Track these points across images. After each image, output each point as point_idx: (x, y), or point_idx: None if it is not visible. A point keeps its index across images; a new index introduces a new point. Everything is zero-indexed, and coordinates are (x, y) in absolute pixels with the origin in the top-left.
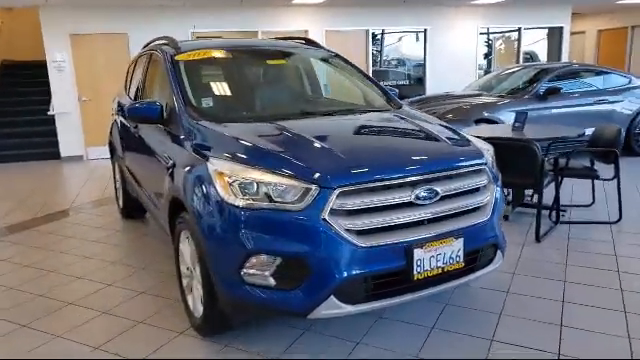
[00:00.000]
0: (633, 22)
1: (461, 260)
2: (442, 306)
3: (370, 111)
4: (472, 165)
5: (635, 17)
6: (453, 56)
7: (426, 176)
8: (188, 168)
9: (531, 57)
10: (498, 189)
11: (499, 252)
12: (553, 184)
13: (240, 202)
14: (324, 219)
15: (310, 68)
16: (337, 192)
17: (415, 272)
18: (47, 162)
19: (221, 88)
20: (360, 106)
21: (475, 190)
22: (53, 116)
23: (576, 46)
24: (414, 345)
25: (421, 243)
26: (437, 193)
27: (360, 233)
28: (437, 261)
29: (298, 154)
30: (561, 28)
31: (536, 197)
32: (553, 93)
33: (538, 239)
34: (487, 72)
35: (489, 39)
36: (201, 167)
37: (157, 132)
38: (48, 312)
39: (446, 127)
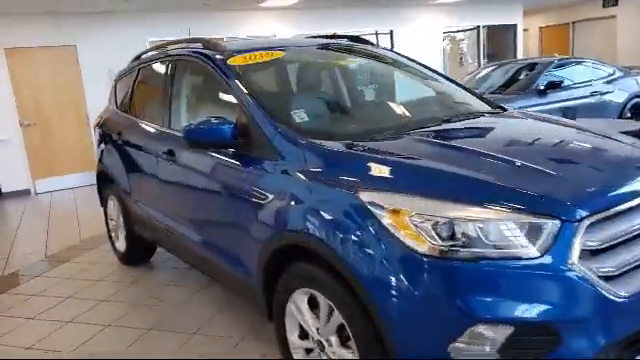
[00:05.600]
0: (574, 18)
1: None
2: None
3: (490, 114)
4: None
5: (576, 13)
6: (420, 55)
7: None
8: (319, 205)
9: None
10: None
11: None
12: None
13: (437, 250)
14: (572, 264)
15: (382, 69)
16: (585, 224)
17: None
18: None
19: (306, 97)
20: (470, 110)
21: None
22: None
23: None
24: None
25: None
26: None
27: (614, 278)
28: None
29: (497, 176)
30: (515, 25)
31: None
32: (553, 87)
33: None
34: None
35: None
36: (349, 203)
37: (222, 159)
38: None
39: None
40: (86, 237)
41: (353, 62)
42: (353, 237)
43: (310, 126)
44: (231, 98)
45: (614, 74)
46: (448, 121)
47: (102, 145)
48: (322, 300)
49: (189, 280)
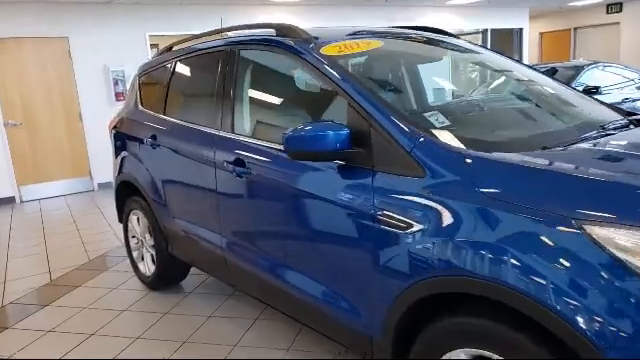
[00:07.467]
0: (576, 24)
1: None
2: None
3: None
4: None
5: (578, 19)
6: None
7: None
8: (510, 241)
9: None
10: None
11: None
12: None
13: None
14: None
15: (492, 66)
16: None
17: None
18: None
19: (429, 96)
20: (612, 117)
21: None
22: None
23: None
24: None
25: None
26: None
27: None
28: None
29: None
30: (521, 29)
31: None
32: (590, 92)
33: None
34: None
35: None
36: (565, 239)
37: (327, 173)
38: None
39: None
40: (94, 255)
41: (460, 56)
42: (578, 285)
43: (457, 134)
44: (327, 96)
45: None
46: (604, 129)
47: (123, 151)
48: None
49: (235, 310)
